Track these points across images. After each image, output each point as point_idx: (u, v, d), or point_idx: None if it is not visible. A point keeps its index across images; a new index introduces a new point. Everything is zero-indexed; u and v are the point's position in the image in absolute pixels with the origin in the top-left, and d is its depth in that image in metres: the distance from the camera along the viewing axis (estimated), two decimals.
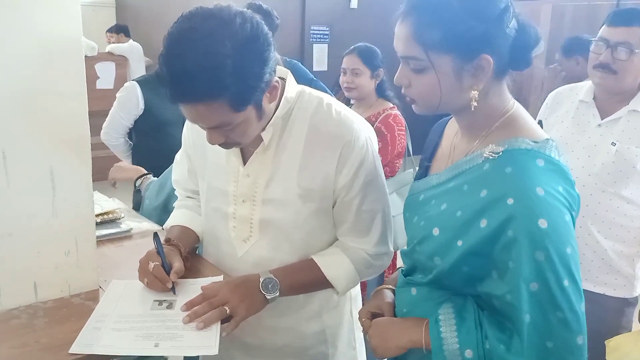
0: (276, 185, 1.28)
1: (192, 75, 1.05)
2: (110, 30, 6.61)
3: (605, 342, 1.81)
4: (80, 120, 1.26)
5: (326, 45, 6.12)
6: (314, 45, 6.06)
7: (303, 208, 1.28)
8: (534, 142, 1.03)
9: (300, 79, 3.28)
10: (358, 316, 1.27)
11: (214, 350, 1.08)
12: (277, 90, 1.21)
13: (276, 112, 1.25)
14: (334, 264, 1.32)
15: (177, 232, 1.44)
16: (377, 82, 2.73)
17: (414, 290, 1.16)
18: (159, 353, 1.08)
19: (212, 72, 1.05)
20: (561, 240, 0.95)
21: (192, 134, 1.44)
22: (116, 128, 2.89)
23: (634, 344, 1.84)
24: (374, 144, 1.33)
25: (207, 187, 1.40)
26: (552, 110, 1.99)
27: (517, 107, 1.10)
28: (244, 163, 1.31)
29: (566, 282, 0.95)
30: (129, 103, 2.82)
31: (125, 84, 2.89)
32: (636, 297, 1.92)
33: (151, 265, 1.27)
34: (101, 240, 1.57)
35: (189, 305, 1.18)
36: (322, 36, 6.11)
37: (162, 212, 1.89)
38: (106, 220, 1.72)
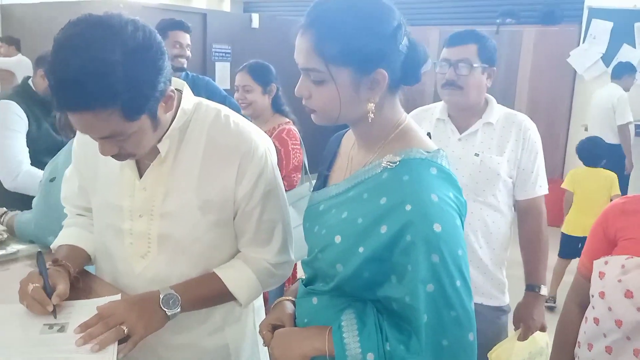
0: (174, 198, 1.26)
1: (78, 82, 1.01)
2: (1, 40, 6.17)
3: (488, 355, 1.92)
4: None
5: (229, 63, 6.11)
6: (216, 63, 6.03)
7: (202, 220, 1.27)
8: (427, 152, 1.09)
9: (214, 96, 3.28)
10: (259, 329, 1.26)
11: None
12: (173, 100, 1.19)
13: (173, 124, 1.23)
14: (236, 276, 1.31)
15: (65, 252, 1.37)
16: (271, 97, 2.74)
17: (315, 300, 1.17)
18: None
19: (100, 79, 1.02)
20: (453, 243, 1.01)
21: (82, 148, 1.38)
22: (16, 157, 2.33)
23: (511, 350, 1.97)
24: (273, 155, 1.34)
25: (100, 203, 1.35)
26: None
27: (409, 120, 1.16)
28: (140, 176, 1.27)
29: (458, 283, 1.01)
30: (16, 121, 2.36)
31: None
32: (508, 304, 2.03)
33: (30, 287, 1.19)
34: None
35: (83, 327, 1.11)
36: (224, 54, 6.10)
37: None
38: None
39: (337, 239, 1.09)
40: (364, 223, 1.05)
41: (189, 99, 1.28)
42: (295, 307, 1.25)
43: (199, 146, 1.26)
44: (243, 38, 6.20)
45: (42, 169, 2.19)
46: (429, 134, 1.19)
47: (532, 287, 2.00)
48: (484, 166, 1.90)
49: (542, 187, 1.97)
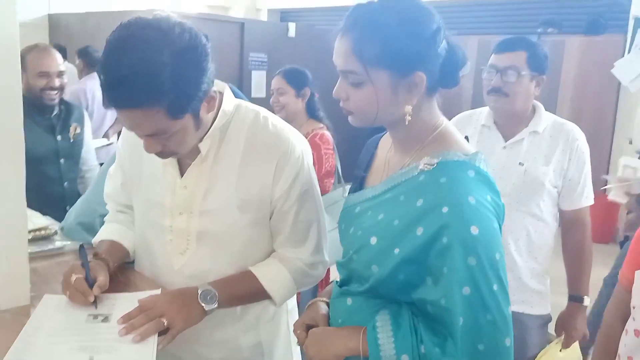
0: (214, 196, 1.29)
1: (128, 81, 1.06)
2: None
3: None
4: (15, 129, 1.23)
5: (265, 72, 6.18)
6: (253, 71, 6.11)
7: (240, 218, 1.30)
8: (465, 154, 1.09)
9: None
10: (293, 328, 1.27)
11: None
12: (215, 101, 1.23)
13: (214, 124, 1.27)
14: (272, 275, 1.33)
15: (106, 247, 1.41)
16: (305, 101, 2.76)
17: (349, 300, 1.17)
18: None
19: (148, 79, 1.06)
20: (491, 246, 1.00)
21: (127, 147, 1.42)
22: None
23: (554, 357, 1.95)
24: (309, 156, 1.37)
25: (142, 201, 1.39)
26: None
27: (446, 124, 1.16)
28: (182, 175, 1.31)
29: (495, 287, 1.00)
30: None
31: None
32: (549, 313, 2.01)
33: (73, 277, 1.23)
34: (33, 257, 1.51)
35: (125, 318, 1.15)
36: (260, 63, 6.17)
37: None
38: (38, 237, 1.66)
39: (373, 240, 1.09)
40: (400, 224, 1.05)
41: (229, 101, 1.32)
42: (329, 308, 1.26)
43: (238, 146, 1.30)
44: (279, 47, 6.27)
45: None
46: (466, 138, 1.19)
47: (575, 298, 1.99)
48: (528, 176, 1.88)
49: (588, 198, 1.95)
